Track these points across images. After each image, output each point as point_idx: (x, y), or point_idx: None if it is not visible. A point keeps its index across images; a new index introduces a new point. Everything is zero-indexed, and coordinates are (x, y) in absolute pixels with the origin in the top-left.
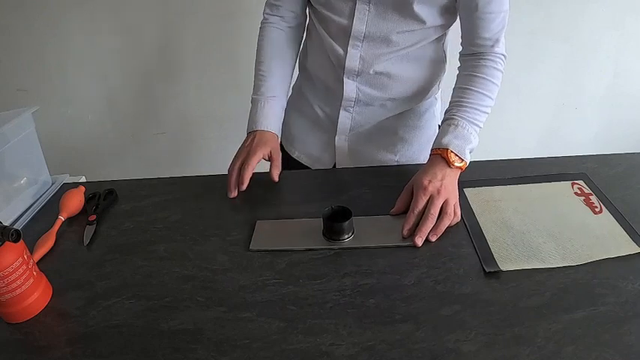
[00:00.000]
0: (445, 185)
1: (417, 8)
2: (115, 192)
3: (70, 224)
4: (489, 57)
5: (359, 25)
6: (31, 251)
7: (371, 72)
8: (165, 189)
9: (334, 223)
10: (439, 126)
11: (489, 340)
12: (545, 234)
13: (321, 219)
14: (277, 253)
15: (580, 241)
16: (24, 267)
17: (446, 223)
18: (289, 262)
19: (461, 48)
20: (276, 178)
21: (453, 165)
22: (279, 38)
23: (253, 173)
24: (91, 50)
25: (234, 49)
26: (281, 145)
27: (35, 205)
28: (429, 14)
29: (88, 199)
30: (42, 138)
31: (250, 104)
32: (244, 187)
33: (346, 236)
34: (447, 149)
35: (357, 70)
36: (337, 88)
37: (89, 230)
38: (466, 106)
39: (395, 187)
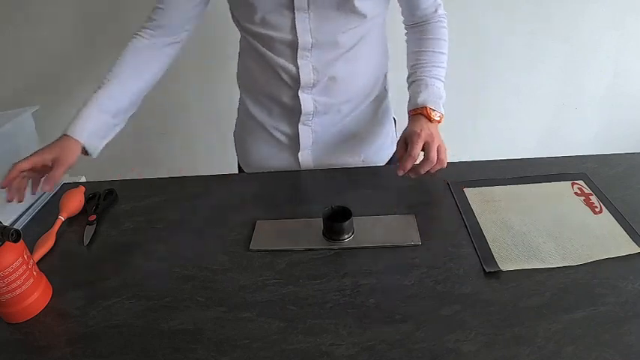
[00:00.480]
0: (435, 134)
1: (358, 3)
2: (115, 192)
3: (70, 224)
4: (434, 20)
5: (304, 36)
6: (31, 251)
7: (325, 80)
8: (165, 189)
9: (334, 223)
10: (394, 119)
11: (489, 340)
12: (545, 234)
13: (321, 219)
14: (277, 253)
15: (580, 241)
16: (24, 267)
17: (437, 167)
18: (289, 262)
19: (403, 26)
20: (45, 189)
21: (433, 119)
22: (142, 51)
23: (252, 173)
24: (92, 50)
25: (234, 50)
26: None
27: (35, 205)
28: (368, 6)
29: (88, 199)
30: (42, 138)
31: None
32: (10, 195)
33: (346, 236)
34: (426, 107)
35: (312, 82)
36: (294, 104)
37: (89, 230)
38: (428, 66)
39: (394, 187)
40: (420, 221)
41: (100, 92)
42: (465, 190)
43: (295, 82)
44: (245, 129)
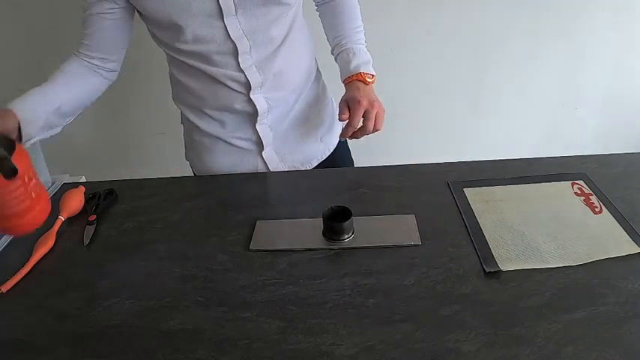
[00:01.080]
0: (373, 99)
1: None
2: (115, 192)
3: (70, 224)
4: None
5: (240, 40)
6: (31, 251)
7: (271, 76)
8: (165, 189)
9: (334, 223)
10: (332, 100)
11: (489, 340)
12: (545, 234)
13: (321, 219)
14: (277, 253)
15: (580, 241)
16: (22, 189)
17: (373, 132)
18: (289, 262)
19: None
20: None
21: (368, 82)
22: (83, 69)
23: (252, 173)
24: None
25: None
26: None
27: None
28: None
29: (88, 199)
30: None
31: None
32: None
33: (346, 236)
34: (360, 72)
35: (260, 82)
36: (247, 108)
37: (89, 230)
38: (350, 36)
39: (395, 187)
40: (420, 221)
41: (47, 86)
42: (465, 190)
43: (245, 87)
44: (200, 147)
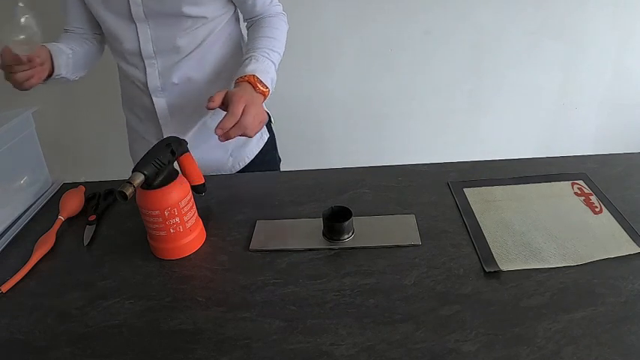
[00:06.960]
0: (257, 102)
1: (186, 9)
2: (115, 192)
3: (70, 224)
4: (271, 15)
5: (146, 45)
6: (31, 251)
7: (170, 84)
8: None
9: (334, 223)
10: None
11: (489, 340)
12: (545, 234)
13: (321, 219)
14: (277, 253)
15: (580, 241)
16: (190, 204)
17: (239, 132)
18: (289, 262)
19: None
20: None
21: (258, 88)
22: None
23: (252, 173)
24: None
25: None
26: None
27: (35, 205)
28: (200, 10)
29: (88, 199)
30: (42, 138)
31: None
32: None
33: (346, 236)
34: (254, 75)
35: (158, 86)
36: (152, 109)
37: (89, 230)
38: (260, 48)
39: (395, 187)
40: (420, 221)
41: (57, 41)
42: (465, 190)
43: (145, 86)
44: (132, 142)
